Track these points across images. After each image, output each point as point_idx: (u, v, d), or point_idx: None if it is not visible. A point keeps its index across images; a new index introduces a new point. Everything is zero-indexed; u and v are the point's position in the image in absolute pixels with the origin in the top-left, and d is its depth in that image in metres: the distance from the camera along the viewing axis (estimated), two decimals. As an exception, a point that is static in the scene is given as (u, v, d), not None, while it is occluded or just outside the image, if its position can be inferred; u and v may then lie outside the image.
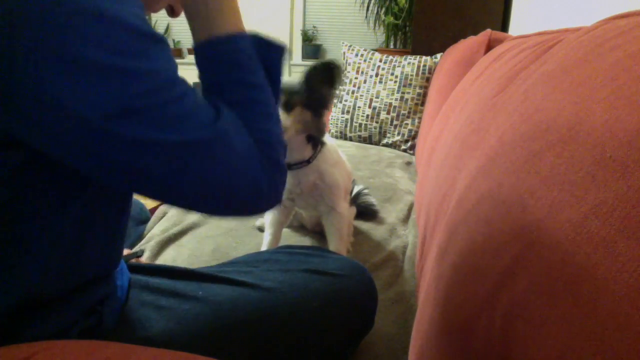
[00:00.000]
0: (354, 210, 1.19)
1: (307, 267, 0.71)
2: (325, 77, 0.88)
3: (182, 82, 0.46)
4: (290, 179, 0.96)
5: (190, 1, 0.52)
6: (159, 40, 0.43)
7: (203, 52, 0.52)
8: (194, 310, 0.60)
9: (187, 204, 0.48)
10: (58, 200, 0.46)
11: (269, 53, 0.56)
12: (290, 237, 1.18)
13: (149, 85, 0.42)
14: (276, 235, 1.08)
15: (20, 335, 0.45)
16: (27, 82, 0.37)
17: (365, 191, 1.34)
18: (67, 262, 0.49)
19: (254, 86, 0.52)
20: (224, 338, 0.59)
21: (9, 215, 0.43)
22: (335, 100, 0.75)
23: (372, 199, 1.33)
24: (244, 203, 0.50)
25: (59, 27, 0.37)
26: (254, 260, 0.74)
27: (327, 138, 1.00)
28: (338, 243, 1.04)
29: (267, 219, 1.07)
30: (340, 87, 0.86)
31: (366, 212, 1.30)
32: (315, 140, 0.94)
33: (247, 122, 0.50)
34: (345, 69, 2.23)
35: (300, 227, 1.25)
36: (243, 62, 0.52)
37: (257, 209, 0.53)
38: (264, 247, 1.06)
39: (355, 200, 1.28)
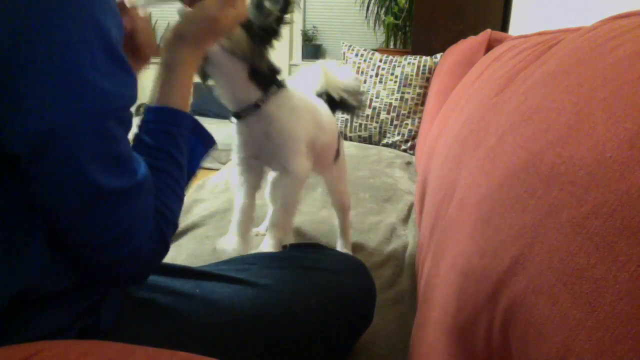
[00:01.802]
0: (343, 164, 1.05)
1: (303, 264, 0.71)
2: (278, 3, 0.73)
3: (129, 123, 0.48)
4: (243, 128, 0.82)
5: (161, 69, 0.58)
6: (128, 70, 0.46)
7: (153, 113, 0.56)
8: (191, 308, 0.60)
9: (73, 242, 0.47)
10: None
11: (200, 141, 0.61)
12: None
13: (107, 105, 0.43)
14: (250, 197, 0.90)
15: (18, 335, 0.45)
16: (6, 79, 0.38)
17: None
18: (67, 257, 0.48)
19: (177, 163, 0.55)
20: (222, 336, 0.59)
21: (13, 204, 0.43)
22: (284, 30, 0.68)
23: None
24: (122, 261, 0.49)
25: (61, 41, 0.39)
26: (251, 257, 0.74)
27: (291, 82, 0.85)
28: (280, 213, 0.85)
29: (235, 180, 0.90)
30: (290, 11, 0.75)
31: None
32: (260, 79, 0.78)
33: (157, 190, 0.52)
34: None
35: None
36: (177, 137, 0.56)
37: (132, 276, 0.54)
38: (236, 213, 0.90)
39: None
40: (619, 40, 0.39)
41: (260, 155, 0.86)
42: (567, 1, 1.36)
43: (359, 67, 2.19)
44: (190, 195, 1.44)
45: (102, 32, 0.42)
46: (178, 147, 0.56)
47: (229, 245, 0.87)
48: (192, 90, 0.60)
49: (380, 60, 2.17)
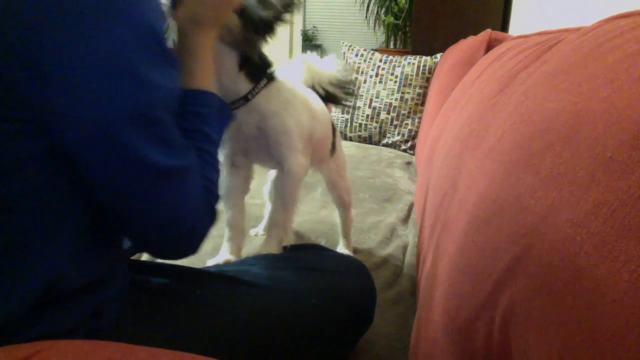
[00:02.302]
0: (340, 157, 1.02)
1: (304, 265, 0.71)
2: None
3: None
4: (232, 122, 0.76)
5: (181, 54, 0.59)
6: (173, 63, 0.49)
7: (183, 97, 0.57)
8: (192, 309, 0.60)
9: (137, 228, 0.51)
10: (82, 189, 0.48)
11: (223, 116, 0.64)
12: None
13: (156, 96, 0.47)
14: (238, 205, 0.86)
15: (26, 334, 0.45)
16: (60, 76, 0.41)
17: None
18: (89, 253, 0.50)
19: (211, 140, 0.59)
20: (223, 337, 0.59)
21: (38, 201, 0.45)
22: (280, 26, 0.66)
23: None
24: (181, 238, 0.54)
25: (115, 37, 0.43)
26: (251, 259, 0.74)
27: (281, 73, 0.81)
28: (279, 212, 0.82)
29: (222, 187, 0.76)
30: (294, 11, 0.71)
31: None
32: (251, 70, 0.74)
33: (201, 169, 0.55)
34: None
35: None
36: (207, 116, 0.59)
37: (186, 250, 0.57)
38: (226, 229, 0.87)
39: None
40: (619, 40, 0.39)
41: (250, 151, 0.82)
42: (567, 1, 1.36)
43: (359, 67, 2.19)
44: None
45: (150, 30, 0.45)
46: (209, 125, 0.59)
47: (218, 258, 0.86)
48: (213, 69, 0.62)
49: (380, 60, 2.17)
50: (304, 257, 0.74)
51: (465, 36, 1.78)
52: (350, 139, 2.19)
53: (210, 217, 0.57)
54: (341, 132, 2.21)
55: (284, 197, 0.81)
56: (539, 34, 0.85)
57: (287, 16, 0.72)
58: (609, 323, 0.24)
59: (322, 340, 0.67)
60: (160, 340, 0.54)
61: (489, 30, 1.52)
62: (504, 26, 2.14)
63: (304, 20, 3.88)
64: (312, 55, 0.99)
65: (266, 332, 0.62)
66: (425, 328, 0.55)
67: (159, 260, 0.67)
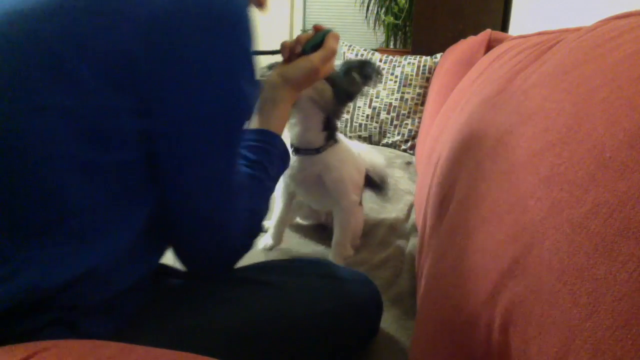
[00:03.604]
0: (361, 210, 1.18)
1: (318, 272, 0.72)
2: (362, 71, 0.91)
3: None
4: (296, 164, 0.97)
5: (264, 103, 0.71)
6: (257, 86, 0.58)
7: (255, 133, 0.69)
8: (207, 307, 0.60)
9: (189, 226, 0.57)
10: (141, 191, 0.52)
11: (283, 159, 0.73)
12: (289, 238, 1.19)
13: (245, 109, 0.56)
14: (288, 206, 1.11)
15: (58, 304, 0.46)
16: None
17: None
18: (137, 253, 0.52)
19: (269, 175, 0.67)
20: (238, 335, 0.59)
21: (127, 178, 0.49)
22: (360, 99, 0.81)
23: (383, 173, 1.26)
24: (217, 249, 0.61)
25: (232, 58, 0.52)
26: (265, 266, 0.74)
27: (342, 137, 1.03)
28: (340, 235, 1.06)
29: (276, 211, 1.11)
30: (371, 86, 0.94)
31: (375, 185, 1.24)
32: (329, 130, 0.96)
33: (251, 193, 0.62)
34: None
35: (298, 228, 1.25)
36: (272, 155, 0.68)
37: (218, 265, 0.64)
38: (273, 220, 1.11)
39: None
40: (619, 40, 0.39)
41: (301, 187, 1.04)
42: (567, 1, 1.36)
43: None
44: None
45: (248, 57, 0.54)
46: (271, 162, 0.68)
47: (263, 241, 1.11)
48: (285, 125, 0.75)
49: (380, 60, 2.17)
50: (317, 266, 0.76)
51: (465, 36, 1.78)
52: (350, 139, 2.19)
53: (249, 239, 0.63)
54: (341, 132, 2.20)
55: (342, 225, 1.06)
56: (539, 34, 0.85)
57: (366, 89, 0.92)
58: (609, 323, 0.24)
59: (332, 346, 0.67)
60: (175, 338, 0.54)
61: (489, 30, 1.52)
62: (504, 26, 2.14)
63: (304, 20, 3.87)
64: (360, 144, 1.27)
65: (279, 334, 0.62)
66: (425, 328, 0.55)
67: (164, 263, 0.67)
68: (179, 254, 0.60)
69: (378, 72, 0.92)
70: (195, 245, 0.59)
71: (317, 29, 0.76)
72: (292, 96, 0.74)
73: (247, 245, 0.64)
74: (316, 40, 0.74)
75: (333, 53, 0.75)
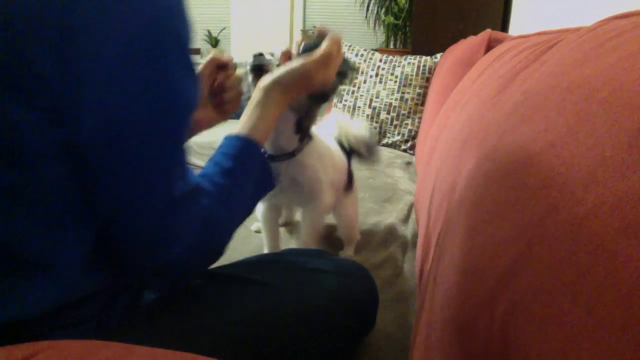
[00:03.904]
0: (354, 198, 1.14)
1: (310, 267, 0.71)
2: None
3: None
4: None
5: (252, 107, 0.66)
6: (194, 75, 0.49)
7: (234, 140, 0.63)
8: (200, 307, 0.60)
9: (127, 245, 0.50)
10: None
11: (264, 181, 0.67)
12: (288, 240, 1.18)
13: (177, 105, 0.47)
14: (274, 232, 1.07)
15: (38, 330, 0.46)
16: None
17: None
18: (97, 264, 0.50)
19: (241, 186, 0.61)
20: (230, 335, 0.59)
21: (56, 196, 0.44)
22: (335, 99, 0.75)
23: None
24: (169, 265, 0.52)
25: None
26: (257, 261, 0.74)
27: (315, 130, 0.95)
28: (307, 235, 0.99)
29: (261, 219, 1.06)
30: (347, 84, 0.90)
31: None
32: (303, 133, 0.89)
33: (214, 203, 0.55)
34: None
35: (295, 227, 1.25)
36: (247, 166, 0.62)
37: (173, 277, 0.57)
38: (265, 249, 1.07)
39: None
40: (619, 40, 0.39)
41: (280, 195, 0.96)
42: (567, 1, 1.36)
43: (359, 67, 2.19)
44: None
45: (179, 40, 0.45)
46: (245, 174, 0.61)
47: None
48: (272, 130, 0.69)
49: (380, 60, 2.17)
50: (310, 260, 0.74)
51: (465, 36, 1.78)
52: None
53: (205, 252, 0.55)
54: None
55: (312, 225, 1.00)
56: (539, 34, 0.85)
57: (341, 87, 0.85)
58: (609, 323, 0.24)
59: (326, 342, 0.67)
60: (166, 338, 0.54)
61: (489, 30, 1.52)
62: (504, 26, 2.14)
63: (304, 20, 3.87)
64: (343, 116, 1.19)
65: (273, 331, 0.62)
66: (425, 328, 0.55)
67: None
68: (128, 271, 0.55)
69: (353, 69, 0.86)
70: (139, 263, 0.52)
71: (320, 32, 0.72)
72: (282, 100, 0.68)
73: (207, 259, 0.57)
74: (316, 43, 0.70)
75: (328, 57, 0.69)
